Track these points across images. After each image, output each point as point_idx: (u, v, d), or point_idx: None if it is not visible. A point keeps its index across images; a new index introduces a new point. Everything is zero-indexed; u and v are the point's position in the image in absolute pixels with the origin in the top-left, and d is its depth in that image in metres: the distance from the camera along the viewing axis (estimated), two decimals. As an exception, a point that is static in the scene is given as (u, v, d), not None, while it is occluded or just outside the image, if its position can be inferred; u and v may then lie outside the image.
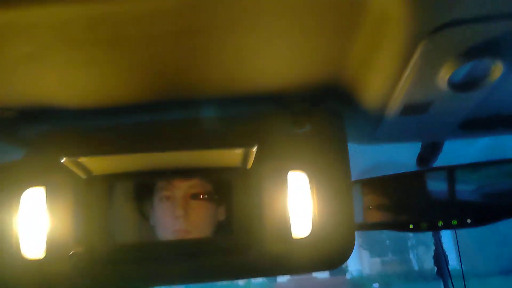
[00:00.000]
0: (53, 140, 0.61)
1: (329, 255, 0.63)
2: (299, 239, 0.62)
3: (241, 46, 0.49)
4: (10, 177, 0.60)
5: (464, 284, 0.94)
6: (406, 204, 0.86)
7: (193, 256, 0.62)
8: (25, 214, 0.59)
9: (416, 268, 11.42)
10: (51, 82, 0.54)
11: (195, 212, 0.66)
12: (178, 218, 0.66)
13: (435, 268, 0.94)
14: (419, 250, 11.32)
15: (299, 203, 0.63)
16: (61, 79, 0.53)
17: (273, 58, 0.53)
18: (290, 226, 0.62)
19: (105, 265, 0.60)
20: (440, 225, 0.82)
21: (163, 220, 0.67)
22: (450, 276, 0.88)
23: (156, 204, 0.67)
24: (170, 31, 0.45)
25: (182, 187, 0.66)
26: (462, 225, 0.81)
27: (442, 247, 0.90)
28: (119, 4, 0.40)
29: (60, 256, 0.58)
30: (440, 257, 0.89)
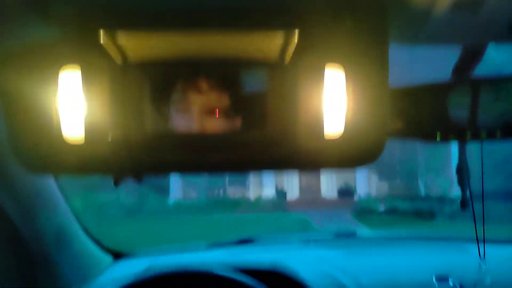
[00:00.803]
0: (89, 17, 0.59)
1: (358, 155, 0.64)
2: (331, 137, 0.62)
3: None
4: (46, 56, 0.59)
5: (483, 197, 0.97)
6: (434, 114, 0.84)
7: (226, 147, 0.63)
8: (63, 96, 0.60)
9: (422, 193, 11.76)
10: None
11: (211, 127, 0.67)
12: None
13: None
14: (428, 177, 11.54)
15: (334, 102, 0.62)
16: None
17: None
18: (323, 123, 0.62)
19: (141, 152, 0.62)
20: (468, 136, 0.82)
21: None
22: (469, 186, 0.90)
23: (172, 115, 0.68)
24: None
25: (198, 102, 0.66)
26: (491, 136, 0.80)
27: (466, 158, 0.90)
28: None
29: (99, 140, 0.60)
30: (463, 167, 0.90)
